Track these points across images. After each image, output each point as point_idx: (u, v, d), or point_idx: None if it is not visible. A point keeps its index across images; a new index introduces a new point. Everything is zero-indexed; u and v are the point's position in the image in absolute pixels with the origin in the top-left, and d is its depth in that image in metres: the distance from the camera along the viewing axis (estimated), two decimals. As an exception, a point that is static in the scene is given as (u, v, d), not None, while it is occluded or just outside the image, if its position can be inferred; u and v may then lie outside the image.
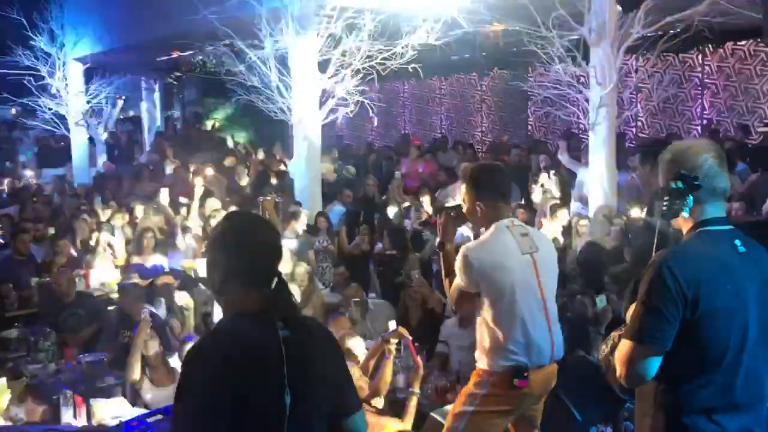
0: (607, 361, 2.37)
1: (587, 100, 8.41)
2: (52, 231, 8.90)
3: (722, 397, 2.13)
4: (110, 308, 6.31)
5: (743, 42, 11.25)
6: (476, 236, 3.47)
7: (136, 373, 4.87)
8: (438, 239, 3.42)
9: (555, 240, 7.00)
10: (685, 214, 2.20)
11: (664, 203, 2.20)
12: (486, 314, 3.17)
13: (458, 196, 8.90)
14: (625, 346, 2.16)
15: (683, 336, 2.11)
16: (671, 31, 8.01)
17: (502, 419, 3.21)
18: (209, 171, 10.24)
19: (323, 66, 8.73)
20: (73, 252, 7.93)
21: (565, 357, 5.18)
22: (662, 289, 2.10)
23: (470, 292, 3.21)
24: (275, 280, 1.99)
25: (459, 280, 3.21)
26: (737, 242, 2.21)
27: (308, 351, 1.97)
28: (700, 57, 11.87)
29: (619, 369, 2.18)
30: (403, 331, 4.34)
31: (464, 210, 3.34)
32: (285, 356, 1.88)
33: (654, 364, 2.12)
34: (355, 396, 2.15)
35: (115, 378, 5.08)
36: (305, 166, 9.04)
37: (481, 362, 3.22)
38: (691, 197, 2.18)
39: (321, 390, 1.98)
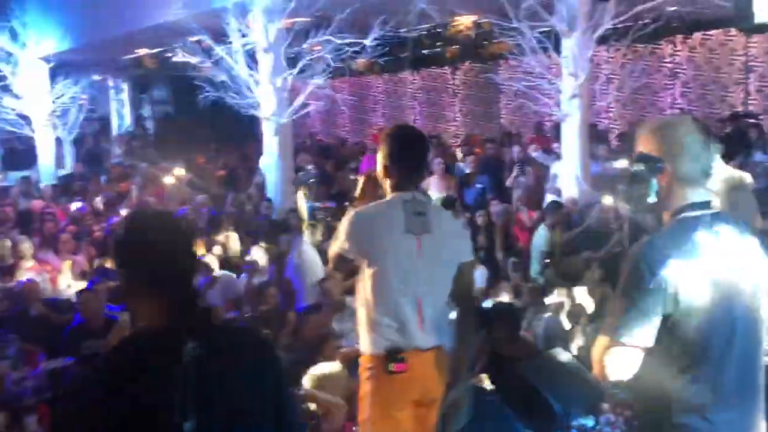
0: (590, 355, 2.26)
1: (559, 92, 8.40)
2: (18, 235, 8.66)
3: (713, 392, 2.03)
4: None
5: (712, 32, 11.32)
6: None
7: None
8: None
9: None
10: (650, 199, 2.06)
11: (627, 188, 2.09)
12: (362, 286, 3.01)
13: (432, 189, 8.86)
14: (602, 342, 2.06)
15: (665, 331, 2.01)
16: (641, 22, 8.02)
17: (398, 411, 2.96)
18: (179, 171, 10.06)
19: (293, 62, 8.61)
20: (40, 255, 7.72)
21: (542, 351, 5.16)
22: (639, 283, 1.99)
23: (346, 257, 3.03)
24: (185, 286, 1.78)
25: (339, 241, 3.03)
26: (720, 227, 2.08)
27: (225, 368, 1.73)
28: (670, 47, 11.93)
29: (596, 366, 2.07)
30: None
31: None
32: (192, 376, 1.66)
33: (633, 360, 2.02)
34: (296, 417, 1.92)
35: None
36: (276, 161, 8.91)
37: (362, 345, 3.04)
38: (654, 181, 2.05)
39: (240, 415, 1.73)
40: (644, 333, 2.00)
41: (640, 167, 2.06)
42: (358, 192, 3.25)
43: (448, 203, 7.53)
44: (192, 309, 1.76)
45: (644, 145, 2.12)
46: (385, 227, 2.97)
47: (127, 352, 1.75)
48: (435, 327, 3.03)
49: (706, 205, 2.10)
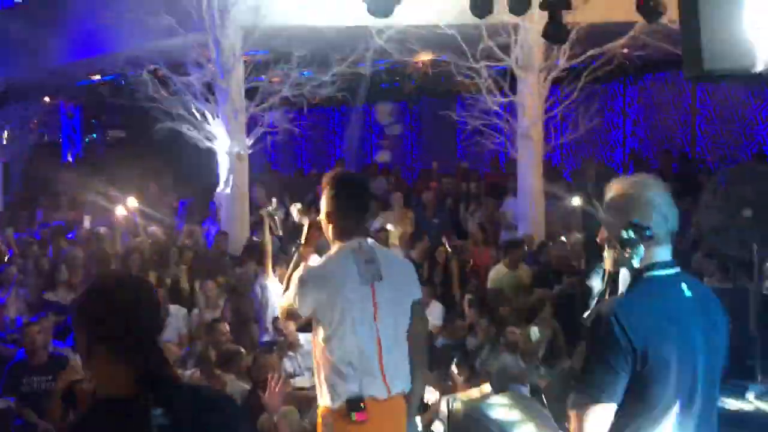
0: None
1: (514, 130, 8.55)
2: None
3: None
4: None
5: (662, 73, 11.70)
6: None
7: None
8: (300, 241, 3.20)
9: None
10: (635, 263, 2.13)
11: (616, 252, 2.14)
12: (319, 342, 2.98)
13: (390, 223, 8.83)
14: (576, 399, 2.10)
15: (633, 387, 2.06)
16: (594, 63, 8.25)
17: None
18: (131, 202, 9.82)
19: (251, 93, 8.57)
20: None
21: (499, 391, 5.15)
22: (610, 342, 2.04)
23: (298, 313, 3.01)
24: (151, 351, 1.73)
25: (292, 297, 2.99)
26: (683, 286, 2.16)
27: None
28: (622, 87, 12.28)
29: (573, 424, 2.10)
30: None
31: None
32: None
33: (605, 417, 2.06)
34: None
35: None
36: (232, 195, 8.80)
37: (321, 398, 3.02)
38: (642, 247, 2.11)
39: None
40: (617, 391, 2.04)
41: (630, 234, 2.11)
42: (303, 239, 3.21)
43: None
44: (157, 374, 1.71)
45: (615, 205, 2.19)
46: (339, 282, 2.94)
47: (95, 420, 1.69)
48: (395, 374, 3.01)
49: (671, 264, 2.18)
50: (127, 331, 1.71)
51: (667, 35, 7.15)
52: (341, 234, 3.03)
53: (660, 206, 2.15)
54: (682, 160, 10.59)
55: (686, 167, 10.17)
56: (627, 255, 2.12)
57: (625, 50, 8.31)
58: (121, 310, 1.72)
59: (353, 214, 3.06)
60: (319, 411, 3.06)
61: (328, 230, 3.06)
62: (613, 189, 2.23)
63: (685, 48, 4.48)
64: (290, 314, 3.10)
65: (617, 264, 2.18)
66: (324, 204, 3.06)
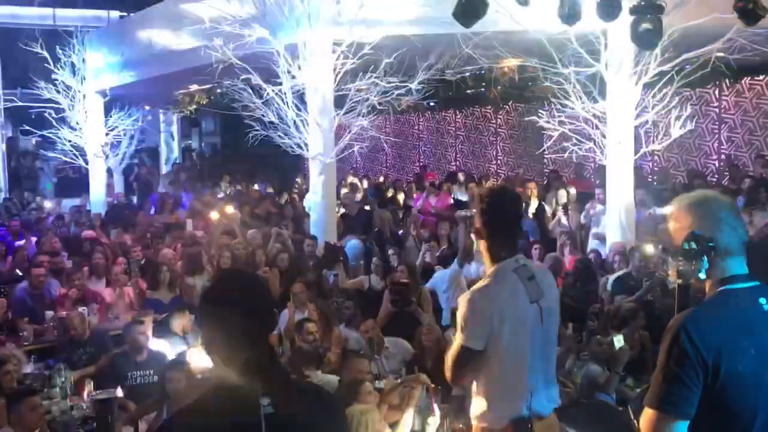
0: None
1: (604, 136, 8.39)
2: (69, 264, 8.92)
3: None
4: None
5: (760, 77, 11.21)
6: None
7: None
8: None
9: None
10: (701, 275, 2.11)
11: (679, 264, 2.13)
12: (489, 360, 2.89)
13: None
14: (647, 413, 2.10)
15: (707, 402, 2.04)
16: (688, 67, 7.99)
17: None
18: (229, 209, 10.18)
19: (339, 101, 8.79)
20: (89, 285, 7.93)
21: (583, 400, 5.10)
22: (680, 355, 2.03)
23: (475, 350, 2.86)
24: (263, 345, 1.89)
25: (463, 336, 2.87)
26: (762, 300, 2.12)
27: (296, 428, 1.84)
28: (717, 92, 11.84)
29: None
30: (424, 378, 4.28)
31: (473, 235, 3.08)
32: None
33: (678, 431, 2.06)
34: None
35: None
36: (321, 200, 9.04)
37: (485, 417, 2.97)
38: (706, 259, 2.09)
39: None
40: (688, 405, 2.03)
41: (692, 246, 2.10)
42: (468, 249, 3.29)
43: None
44: (267, 367, 1.87)
45: (680, 220, 2.18)
46: (511, 301, 2.89)
47: (208, 403, 1.85)
48: (552, 390, 3.05)
49: (746, 277, 2.15)
50: (242, 326, 1.87)
51: (766, 38, 6.89)
52: (499, 250, 2.98)
53: (726, 219, 2.13)
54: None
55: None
56: (693, 267, 2.09)
57: (721, 54, 8.02)
58: (238, 306, 1.88)
59: (510, 229, 3.02)
60: (475, 427, 3.04)
61: (482, 244, 3.02)
62: (678, 201, 2.22)
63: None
64: (465, 357, 2.90)
65: (683, 276, 2.16)
66: (477, 218, 3.02)
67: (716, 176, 11.37)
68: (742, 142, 11.68)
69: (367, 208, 10.77)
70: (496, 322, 2.86)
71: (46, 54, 12.69)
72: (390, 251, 8.51)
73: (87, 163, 13.99)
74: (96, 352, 6.23)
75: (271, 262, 8.36)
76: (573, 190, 10.21)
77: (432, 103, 14.82)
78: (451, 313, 7.01)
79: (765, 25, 6.07)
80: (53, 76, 13.07)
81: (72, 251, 9.59)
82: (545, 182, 12.00)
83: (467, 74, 8.92)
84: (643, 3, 6.13)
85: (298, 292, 7.60)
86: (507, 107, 14.97)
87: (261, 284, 2.04)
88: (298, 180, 14.52)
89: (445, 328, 6.71)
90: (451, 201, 11.32)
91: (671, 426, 2.04)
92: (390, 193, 12.62)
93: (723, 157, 11.82)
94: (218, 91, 12.18)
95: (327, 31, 8.31)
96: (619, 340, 5.87)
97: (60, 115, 13.35)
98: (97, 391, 5.28)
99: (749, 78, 11.28)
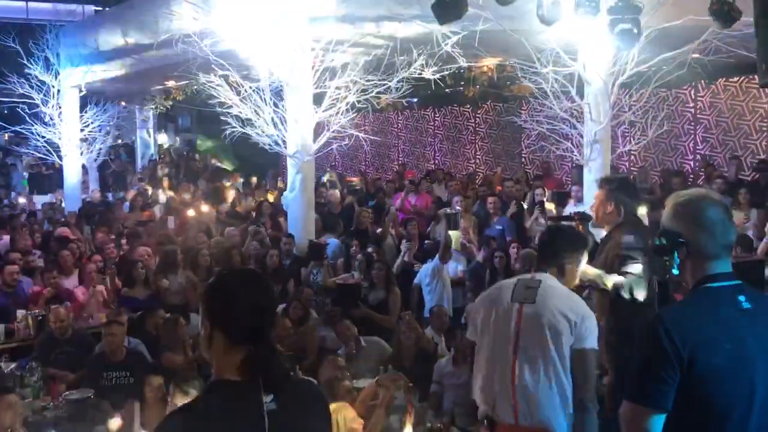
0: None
1: (581, 135, 8.44)
2: (41, 262, 8.78)
3: None
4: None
5: (735, 78, 11.35)
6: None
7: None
8: None
9: None
10: (674, 271, 2.15)
11: (651, 259, 2.18)
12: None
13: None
14: (625, 406, 2.14)
15: (683, 396, 2.07)
16: (664, 68, 8.07)
17: None
18: (204, 207, 10.11)
19: (318, 98, 8.74)
20: (62, 283, 7.79)
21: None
22: (657, 350, 2.07)
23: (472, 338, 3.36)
24: (266, 341, 1.90)
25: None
26: (741, 298, 2.14)
27: (297, 424, 1.88)
28: (692, 92, 11.97)
29: (624, 429, 2.15)
30: (401, 377, 4.31)
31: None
32: (271, 428, 1.80)
33: (655, 424, 2.08)
34: None
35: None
36: (300, 197, 8.99)
37: None
38: (677, 254, 2.13)
39: None
40: (665, 398, 2.06)
41: (662, 242, 2.15)
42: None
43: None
44: (270, 363, 1.88)
45: (668, 219, 2.22)
46: (494, 299, 3.31)
47: (210, 399, 1.86)
48: (526, 400, 3.10)
49: (728, 276, 2.17)
50: (243, 322, 1.89)
51: (741, 40, 6.96)
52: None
53: (710, 224, 2.15)
54: (761, 165, 10.22)
55: (764, 175, 9.81)
56: (664, 264, 2.13)
57: (697, 55, 8.11)
58: (239, 302, 1.90)
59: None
60: None
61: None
62: (671, 200, 2.25)
63: (761, 54, 4.38)
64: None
65: (658, 273, 2.25)
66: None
67: (691, 177, 11.49)
68: (717, 143, 11.82)
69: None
70: (474, 312, 3.41)
71: (19, 48, 12.47)
72: (369, 249, 8.49)
73: (61, 159, 13.78)
74: (75, 351, 6.12)
75: (248, 261, 8.30)
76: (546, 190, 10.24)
77: (411, 102, 14.85)
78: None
79: (739, 28, 6.12)
80: (26, 71, 12.85)
81: (45, 249, 9.44)
82: (525, 179, 12.04)
83: (446, 73, 8.88)
84: (620, 3, 6.17)
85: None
86: (486, 106, 15.03)
87: (266, 281, 2.07)
88: (273, 176, 14.44)
89: (428, 322, 6.73)
90: (430, 200, 11.31)
91: (648, 418, 2.08)
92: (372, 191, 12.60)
93: (698, 157, 11.96)
94: (194, 87, 12.06)
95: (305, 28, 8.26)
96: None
97: (33, 111, 13.13)
98: (71, 392, 5.22)
99: (724, 79, 11.41)
